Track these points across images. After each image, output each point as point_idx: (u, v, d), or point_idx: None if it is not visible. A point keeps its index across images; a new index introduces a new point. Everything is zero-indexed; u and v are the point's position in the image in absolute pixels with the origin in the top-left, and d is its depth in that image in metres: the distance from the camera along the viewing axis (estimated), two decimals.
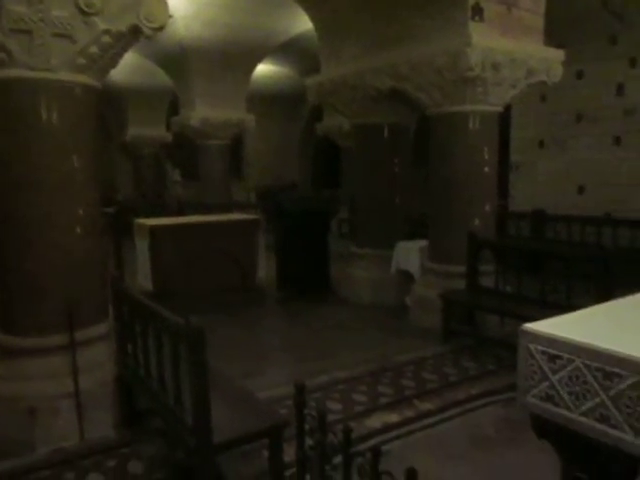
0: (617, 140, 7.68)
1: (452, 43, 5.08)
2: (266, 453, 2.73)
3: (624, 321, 1.69)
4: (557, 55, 5.59)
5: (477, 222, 5.61)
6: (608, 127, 7.73)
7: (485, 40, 4.99)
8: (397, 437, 3.36)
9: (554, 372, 1.54)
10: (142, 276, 6.42)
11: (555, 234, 8.21)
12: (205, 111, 10.81)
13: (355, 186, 7.37)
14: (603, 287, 4.42)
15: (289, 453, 2.66)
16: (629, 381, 1.36)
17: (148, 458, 3.16)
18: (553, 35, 5.68)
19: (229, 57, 10.38)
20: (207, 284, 6.30)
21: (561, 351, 1.52)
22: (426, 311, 5.67)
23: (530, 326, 1.62)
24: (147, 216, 7.06)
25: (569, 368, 1.50)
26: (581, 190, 8.16)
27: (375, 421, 3.56)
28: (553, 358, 1.54)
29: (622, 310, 1.82)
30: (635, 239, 7.30)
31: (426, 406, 3.82)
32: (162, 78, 11.77)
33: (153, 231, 6.23)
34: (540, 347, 1.57)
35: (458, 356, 4.89)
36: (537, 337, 1.59)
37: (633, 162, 7.53)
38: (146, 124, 14.33)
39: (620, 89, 7.58)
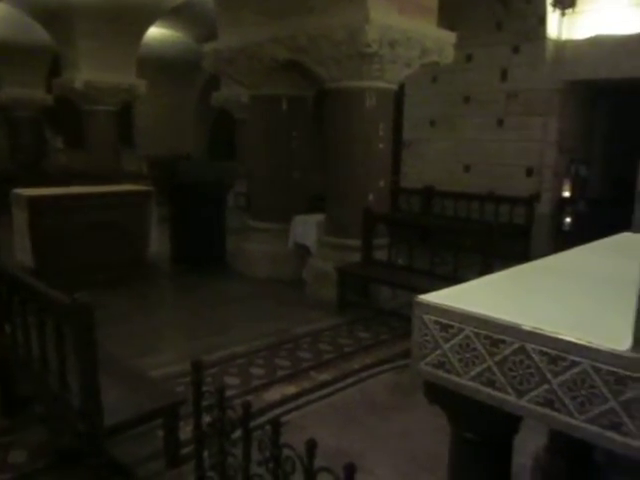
0: (500, 122, 8.19)
1: (351, 17, 5.09)
2: (162, 433, 2.65)
3: (508, 291, 1.81)
4: (449, 37, 5.81)
5: (372, 197, 5.75)
6: (493, 110, 8.22)
7: (383, 17, 5.06)
8: (295, 408, 3.41)
9: (446, 341, 1.61)
10: (21, 251, 5.91)
11: (443, 209, 8.66)
12: (91, 74, 10.08)
13: (252, 159, 7.26)
14: (485, 259, 4.74)
15: (187, 431, 2.60)
16: (513, 347, 1.45)
17: (31, 446, 2.95)
18: (444, 18, 5.89)
19: (117, 17, 9.70)
20: (95, 259, 5.94)
21: (453, 321, 1.59)
22: (322, 284, 5.76)
23: (424, 297, 1.68)
24: (26, 186, 6.47)
25: (460, 337, 1.57)
26: (467, 168, 8.64)
27: (273, 394, 3.59)
28: (445, 327, 1.61)
29: (506, 281, 1.94)
30: (514, 215, 7.89)
31: (323, 377, 3.91)
32: (42, 34, 10.76)
33: (32, 202, 5.74)
34: (433, 317, 1.64)
35: (353, 327, 5.03)
36: (430, 308, 1.64)
37: (514, 143, 8.09)
38: (23, 84, 13.10)
39: (504, 74, 8.06)
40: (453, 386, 1.61)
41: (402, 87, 7.62)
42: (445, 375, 1.63)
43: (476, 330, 1.54)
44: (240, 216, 8.94)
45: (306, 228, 6.49)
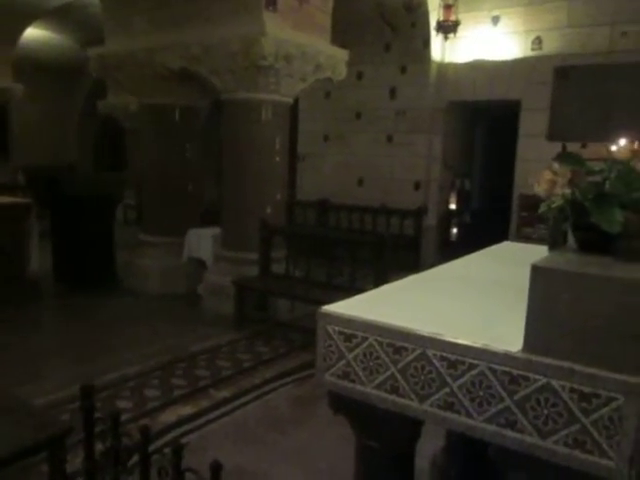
0: (390, 138, 8.55)
1: (246, 30, 5.07)
2: (47, 467, 2.41)
3: (407, 299, 1.86)
4: (342, 54, 5.97)
5: (269, 210, 5.74)
6: (383, 126, 8.55)
7: (278, 31, 5.09)
8: (194, 429, 3.27)
9: (350, 350, 1.62)
10: None
11: (338, 222, 8.86)
12: None
13: (144, 170, 6.96)
14: (380, 270, 4.89)
15: (76, 463, 2.39)
16: (415, 353, 1.50)
17: None
18: (337, 37, 6.05)
19: None
20: None
21: (356, 330, 1.61)
22: (220, 299, 5.64)
23: (327, 308, 1.69)
24: None
25: (364, 345, 1.59)
26: (360, 182, 8.90)
27: (170, 415, 3.41)
28: (349, 337, 1.62)
29: (404, 289, 2.00)
30: (404, 227, 8.25)
31: (222, 394, 3.79)
32: None
33: None
34: (337, 328, 1.65)
35: (252, 342, 4.96)
36: (334, 318, 1.66)
37: (402, 158, 8.47)
38: None
39: (393, 92, 8.44)
40: (358, 395, 1.62)
41: (297, 101, 7.72)
42: (350, 385, 1.64)
43: (379, 338, 1.57)
44: (130, 230, 8.52)
45: (201, 241, 6.32)
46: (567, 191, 1.47)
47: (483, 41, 7.73)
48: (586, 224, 1.46)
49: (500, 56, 7.62)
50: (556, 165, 1.53)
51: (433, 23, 7.68)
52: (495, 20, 7.61)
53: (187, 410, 3.51)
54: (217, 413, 3.51)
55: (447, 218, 8.45)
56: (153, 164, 6.62)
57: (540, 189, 1.53)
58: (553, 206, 1.51)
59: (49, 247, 6.58)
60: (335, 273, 5.25)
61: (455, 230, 8.29)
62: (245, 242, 5.69)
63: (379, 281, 4.70)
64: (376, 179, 8.71)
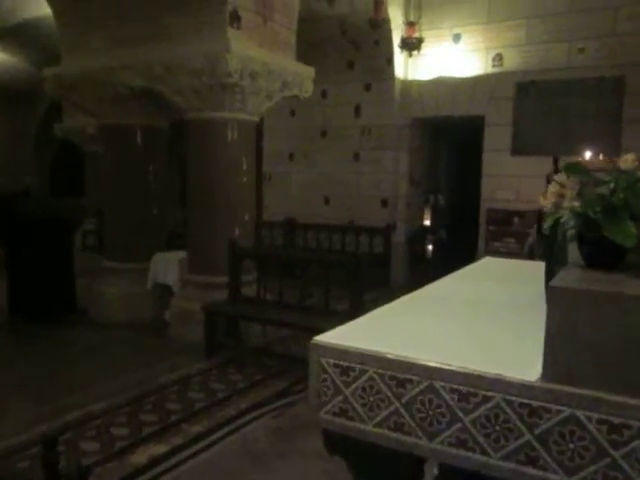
0: (356, 156, 8.51)
1: (211, 47, 4.95)
2: None
3: (404, 325, 1.73)
4: (308, 72, 5.90)
5: (237, 231, 5.57)
6: (349, 144, 8.52)
7: (243, 48, 4.99)
8: (167, 470, 3.03)
9: (347, 385, 1.48)
10: None
11: (305, 242, 8.72)
12: None
13: (104, 194, 6.68)
14: (355, 290, 4.76)
15: None
16: (421, 386, 1.36)
17: None
18: (300, 54, 5.99)
19: None
20: None
21: (353, 362, 1.47)
22: (188, 326, 5.40)
23: (320, 339, 1.55)
24: None
25: (363, 379, 1.46)
26: (327, 201, 8.82)
27: (141, 456, 3.16)
28: (346, 370, 1.48)
29: (398, 313, 1.87)
30: (373, 245, 8.17)
31: (196, 429, 3.56)
32: None
33: None
34: (332, 360, 1.51)
35: (224, 370, 4.74)
36: (328, 350, 1.52)
37: (369, 176, 8.44)
38: None
39: (358, 110, 8.43)
40: (356, 434, 1.48)
41: (261, 120, 7.61)
42: (347, 423, 1.49)
43: (380, 370, 1.43)
44: (90, 256, 8.17)
45: (167, 266, 6.08)
46: (576, 204, 1.38)
47: (445, 58, 7.82)
48: (595, 238, 1.37)
49: (462, 73, 7.72)
50: (561, 177, 1.44)
51: (396, 41, 7.73)
52: (456, 38, 7.71)
53: (159, 449, 3.27)
54: (192, 450, 3.28)
55: (422, 234, 8.39)
56: (114, 187, 6.36)
57: (547, 202, 1.43)
58: (562, 220, 1.41)
59: (3, 276, 6.22)
60: (307, 295, 5.09)
61: (431, 246, 8.20)
62: (213, 265, 5.49)
63: (354, 302, 4.58)
64: (343, 197, 8.65)
